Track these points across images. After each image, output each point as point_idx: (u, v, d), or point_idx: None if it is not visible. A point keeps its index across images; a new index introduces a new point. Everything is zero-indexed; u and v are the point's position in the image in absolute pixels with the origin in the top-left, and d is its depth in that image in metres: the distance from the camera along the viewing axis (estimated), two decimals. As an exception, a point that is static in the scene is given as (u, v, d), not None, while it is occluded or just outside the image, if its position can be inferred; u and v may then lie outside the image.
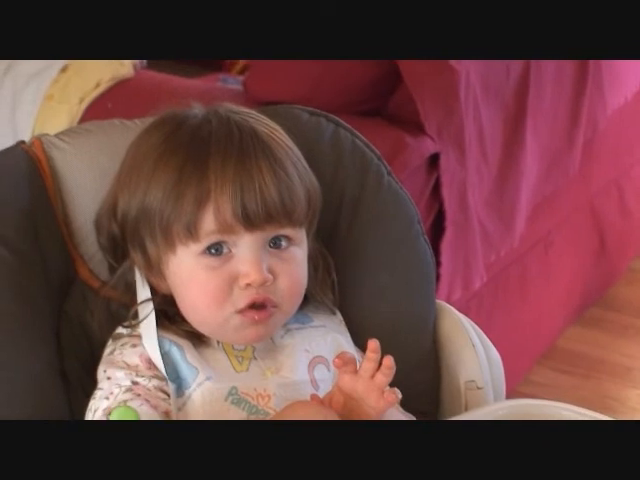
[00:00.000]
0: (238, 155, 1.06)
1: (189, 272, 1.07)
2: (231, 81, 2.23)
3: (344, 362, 1.04)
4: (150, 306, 1.10)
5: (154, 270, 1.10)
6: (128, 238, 1.10)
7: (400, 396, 1.05)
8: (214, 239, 1.06)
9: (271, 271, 1.07)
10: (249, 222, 1.05)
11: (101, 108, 2.06)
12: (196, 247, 1.06)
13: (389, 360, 1.03)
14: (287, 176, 1.08)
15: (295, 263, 1.10)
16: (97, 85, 2.11)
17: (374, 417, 1.04)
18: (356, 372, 1.04)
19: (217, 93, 2.06)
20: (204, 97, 1.18)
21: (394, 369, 1.04)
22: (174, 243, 1.07)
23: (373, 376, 1.03)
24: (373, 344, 1.03)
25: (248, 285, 1.06)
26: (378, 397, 1.03)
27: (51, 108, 2.10)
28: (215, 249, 1.06)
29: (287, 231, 1.08)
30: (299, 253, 1.10)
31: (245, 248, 1.06)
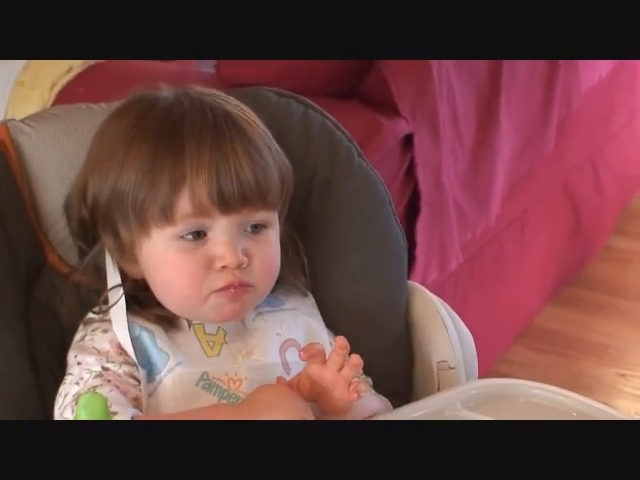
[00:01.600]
0: (213, 138, 1.05)
1: (163, 255, 1.07)
2: (206, 64, 2.21)
3: (310, 355, 1.04)
4: (120, 291, 1.10)
5: (126, 254, 1.09)
6: (99, 222, 1.09)
7: (363, 391, 1.06)
8: (190, 223, 1.05)
9: (246, 253, 1.07)
10: (225, 205, 1.05)
11: (73, 93, 2.04)
12: (171, 230, 1.06)
13: (357, 359, 1.04)
14: (262, 158, 1.07)
15: (269, 245, 1.10)
16: (69, 70, 2.09)
17: (339, 406, 1.04)
18: (324, 362, 1.04)
19: (189, 76, 2.05)
20: (176, 80, 1.17)
21: (361, 366, 1.05)
22: (149, 226, 1.06)
23: (341, 369, 1.03)
24: (341, 341, 1.04)
25: (224, 267, 1.06)
26: (344, 390, 1.03)
27: (22, 95, 2.08)
28: (193, 234, 1.06)
29: (262, 215, 1.08)
30: (272, 235, 1.10)
31: (220, 231, 1.06)
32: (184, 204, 1.04)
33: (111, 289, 1.10)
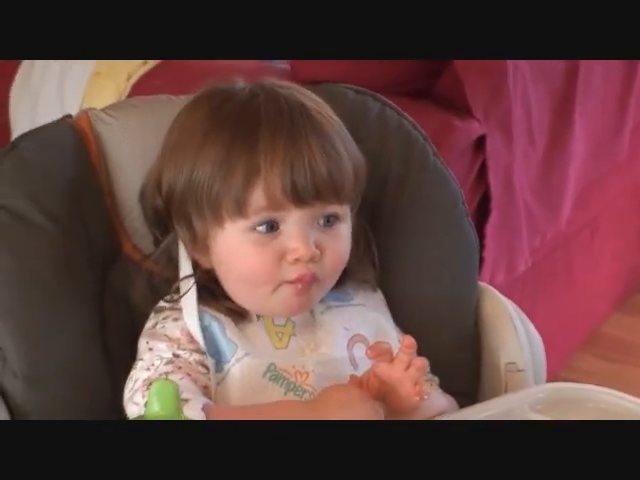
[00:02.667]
0: (288, 131, 1.05)
1: (237, 247, 1.07)
2: (278, 60, 2.22)
3: (377, 353, 1.05)
4: (191, 281, 1.11)
5: (199, 245, 1.10)
6: (173, 212, 1.10)
7: (428, 393, 1.06)
8: (263, 215, 1.06)
9: (318, 246, 1.07)
10: (298, 198, 1.05)
11: (148, 85, 2.06)
12: (244, 223, 1.06)
13: (422, 361, 1.04)
14: (336, 153, 1.07)
15: (340, 239, 1.10)
16: (144, 62, 2.11)
17: (406, 405, 1.04)
18: (391, 361, 1.04)
19: (264, 72, 2.06)
20: (250, 75, 1.18)
21: (427, 369, 1.06)
22: (222, 218, 1.06)
23: (407, 368, 1.03)
24: (408, 340, 1.04)
25: (296, 260, 1.06)
26: (410, 389, 1.03)
27: (98, 85, 2.11)
28: (266, 226, 1.06)
29: (334, 208, 1.08)
30: (344, 229, 1.10)
31: (293, 224, 1.06)
32: (258, 197, 1.05)
33: (183, 279, 1.11)
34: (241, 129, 1.06)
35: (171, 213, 1.11)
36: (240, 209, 1.05)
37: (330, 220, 1.08)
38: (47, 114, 2.15)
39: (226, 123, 1.07)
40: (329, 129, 1.08)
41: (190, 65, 2.08)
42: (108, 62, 2.10)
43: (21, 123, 2.22)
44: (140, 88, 2.05)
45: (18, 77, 2.23)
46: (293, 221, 1.06)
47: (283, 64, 2.15)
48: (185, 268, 1.12)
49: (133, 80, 2.08)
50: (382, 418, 1.02)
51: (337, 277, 1.11)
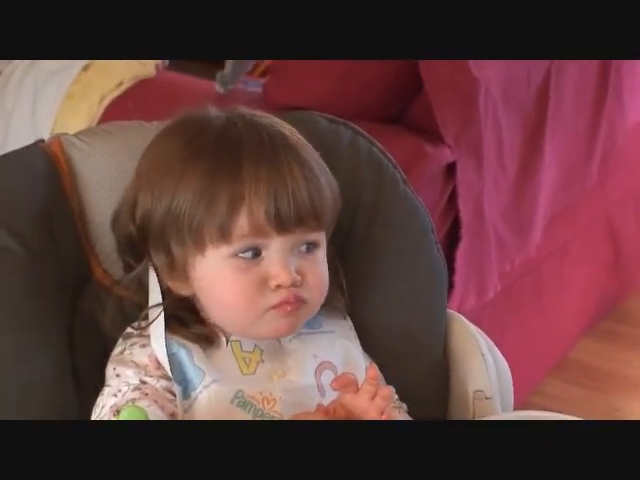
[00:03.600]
0: (270, 158, 1.07)
1: (219, 273, 1.08)
2: (252, 84, 2.23)
3: (342, 385, 1.05)
4: (160, 309, 1.11)
5: (177, 272, 1.10)
6: (150, 240, 1.11)
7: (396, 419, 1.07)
8: (246, 242, 1.07)
9: (299, 272, 1.08)
10: (281, 225, 1.06)
11: (122, 108, 2.07)
12: (227, 249, 1.07)
13: (388, 390, 1.04)
14: (316, 180, 1.09)
15: (320, 264, 1.11)
16: (119, 84, 2.13)
17: None
18: (357, 392, 1.04)
19: (236, 96, 2.07)
20: (224, 100, 1.19)
21: (393, 398, 1.07)
22: (204, 245, 1.07)
23: (373, 398, 1.03)
24: (372, 372, 1.05)
25: (278, 287, 1.07)
26: (377, 418, 1.03)
27: (71, 107, 2.12)
28: (251, 253, 1.07)
29: (315, 235, 1.10)
30: (322, 254, 1.12)
31: (275, 251, 1.07)
32: (242, 224, 1.06)
33: (151, 307, 1.11)
34: (223, 157, 1.07)
35: (145, 240, 1.11)
36: (224, 235, 1.06)
37: (310, 247, 1.10)
38: (19, 135, 2.15)
39: (207, 150, 1.08)
40: (308, 157, 1.10)
41: (164, 88, 2.10)
42: (82, 84, 2.11)
43: (-7, 143, 2.22)
44: (113, 111, 2.06)
45: (-9, 96, 2.23)
46: (275, 248, 1.07)
47: (255, 87, 2.17)
48: (154, 296, 1.12)
49: (106, 102, 2.09)
50: None
51: (322, 301, 1.12)
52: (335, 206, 1.12)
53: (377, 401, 1.03)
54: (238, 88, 2.20)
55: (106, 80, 2.11)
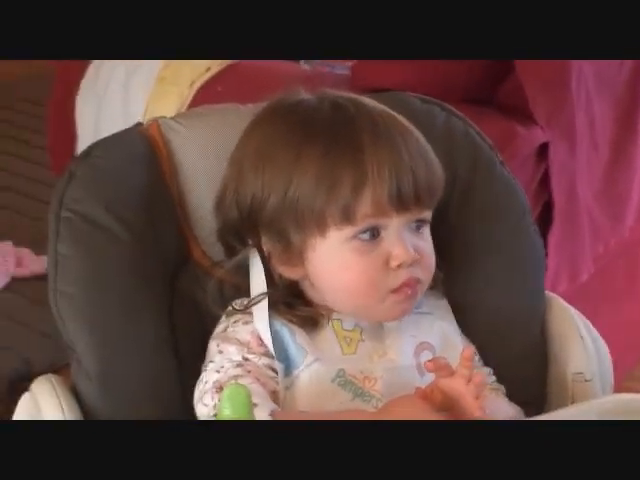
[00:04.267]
0: (387, 139, 1.07)
1: (342, 256, 1.08)
2: (338, 67, 2.23)
3: (436, 368, 1.05)
4: (265, 295, 1.11)
5: (291, 257, 1.10)
6: (262, 226, 1.11)
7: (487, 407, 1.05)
8: (368, 222, 1.07)
9: (415, 250, 1.09)
10: (402, 205, 1.07)
11: (211, 91, 2.09)
12: (349, 231, 1.07)
13: (480, 377, 1.04)
14: (430, 158, 1.10)
15: (429, 242, 1.12)
16: (208, 69, 2.14)
17: (468, 418, 1.03)
18: (451, 375, 1.04)
19: (324, 78, 2.07)
20: (312, 82, 1.19)
21: (484, 385, 1.06)
22: (326, 228, 1.07)
23: (468, 382, 1.03)
24: (467, 352, 1.04)
25: (399, 266, 1.08)
26: (472, 403, 1.02)
27: (162, 90, 2.14)
28: (370, 233, 1.08)
29: (427, 213, 1.11)
30: (428, 232, 1.12)
31: (394, 231, 1.08)
32: (366, 204, 1.06)
33: (258, 297, 1.11)
34: (340, 140, 1.07)
35: (252, 226, 1.11)
36: (348, 217, 1.06)
37: (419, 225, 1.11)
38: (111, 119, 2.18)
39: (321, 135, 1.08)
40: (419, 135, 1.10)
41: (252, 72, 2.11)
42: (173, 68, 2.13)
43: (86, 128, 2.25)
44: (203, 94, 2.07)
45: (84, 82, 2.26)
46: (394, 227, 1.08)
47: (342, 70, 2.16)
48: (258, 281, 1.12)
49: (196, 86, 2.10)
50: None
51: (431, 279, 1.13)
52: (443, 182, 1.12)
53: (471, 386, 1.03)
54: (325, 71, 2.20)
55: (196, 64, 2.13)
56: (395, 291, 1.09)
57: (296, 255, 1.10)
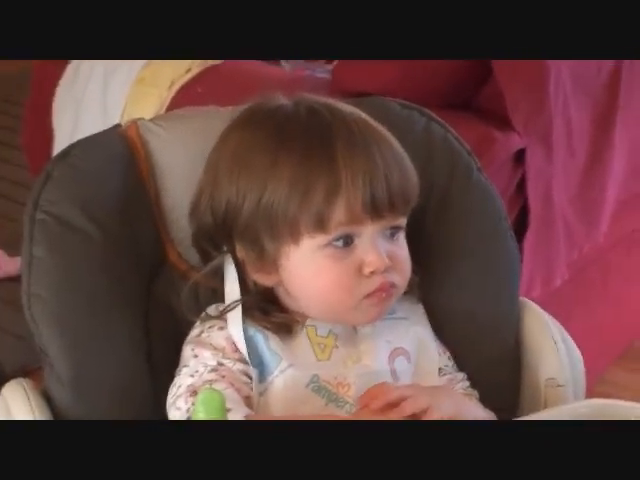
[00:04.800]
0: (362, 146, 1.07)
1: (314, 263, 1.08)
2: (319, 70, 2.23)
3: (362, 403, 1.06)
4: (238, 301, 1.11)
5: (265, 264, 1.10)
6: (236, 233, 1.10)
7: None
8: (342, 230, 1.07)
9: (388, 257, 1.09)
10: (376, 212, 1.07)
11: (191, 93, 2.09)
12: (323, 238, 1.07)
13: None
14: (404, 164, 1.10)
15: (404, 248, 1.12)
16: (188, 70, 2.14)
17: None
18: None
19: (305, 82, 2.08)
20: (292, 86, 1.20)
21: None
22: (300, 235, 1.07)
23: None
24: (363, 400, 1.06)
25: (372, 273, 1.08)
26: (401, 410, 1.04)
27: (141, 91, 2.14)
28: (343, 241, 1.08)
29: (401, 220, 1.11)
30: (403, 238, 1.13)
31: (367, 238, 1.08)
32: (339, 212, 1.06)
33: (231, 304, 1.11)
34: (314, 147, 1.07)
35: (227, 233, 1.11)
36: (321, 225, 1.06)
37: (394, 231, 1.11)
38: (89, 120, 2.18)
39: (296, 141, 1.08)
40: (393, 142, 1.11)
41: (233, 73, 2.11)
42: (152, 68, 2.13)
43: (63, 129, 2.25)
44: (183, 96, 2.07)
45: (63, 81, 2.26)
46: (367, 234, 1.08)
47: (322, 74, 2.17)
48: (233, 287, 1.12)
49: (176, 87, 2.10)
50: None
51: (406, 284, 1.13)
52: (418, 189, 1.12)
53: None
54: (306, 74, 2.20)
55: (175, 66, 2.13)
56: (369, 296, 1.09)
57: (270, 262, 1.10)
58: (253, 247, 1.10)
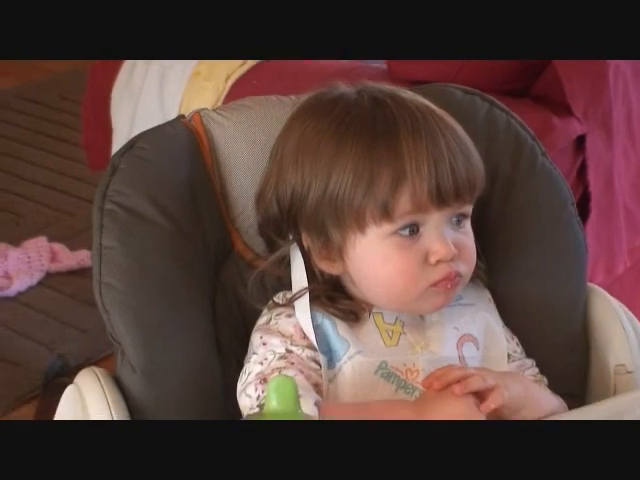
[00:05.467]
0: (426, 134, 1.06)
1: (381, 252, 1.08)
2: (372, 61, 2.22)
3: (428, 384, 1.06)
4: (306, 290, 1.11)
5: (331, 253, 1.11)
6: (302, 222, 1.11)
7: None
8: (408, 219, 1.07)
9: (455, 245, 1.08)
10: (441, 201, 1.06)
11: (247, 85, 2.09)
12: (389, 227, 1.07)
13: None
14: (469, 152, 1.09)
15: (470, 236, 1.12)
16: (242, 63, 2.14)
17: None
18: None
19: (361, 72, 2.07)
20: (349, 76, 1.19)
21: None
22: (365, 224, 1.07)
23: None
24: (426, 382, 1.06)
25: (438, 262, 1.08)
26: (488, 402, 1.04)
27: (198, 85, 2.14)
28: (409, 230, 1.07)
29: (467, 208, 1.10)
30: (469, 226, 1.12)
31: (434, 226, 1.08)
32: (405, 201, 1.06)
33: (299, 292, 1.12)
34: (379, 135, 1.07)
35: (292, 221, 1.11)
36: (387, 213, 1.06)
37: (460, 219, 1.10)
38: (147, 114, 2.19)
39: (361, 130, 1.07)
40: (458, 129, 1.10)
41: (286, 65, 2.11)
42: (207, 63, 2.13)
43: (121, 124, 2.26)
44: (239, 88, 2.08)
45: (119, 78, 2.27)
46: (433, 223, 1.08)
47: (377, 63, 2.16)
48: (299, 276, 1.12)
49: (232, 80, 2.11)
50: (480, 416, 1.03)
51: (472, 272, 1.12)
52: (484, 177, 1.12)
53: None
54: (358, 64, 2.19)
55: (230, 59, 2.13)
56: (434, 285, 1.09)
57: (335, 251, 1.10)
58: (319, 236, 1.10)
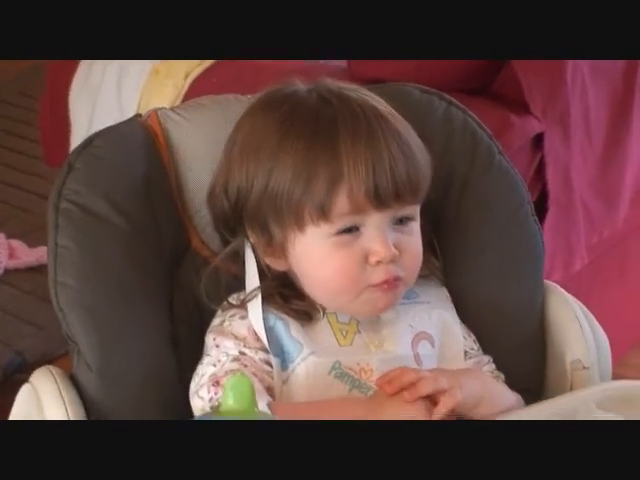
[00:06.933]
0: (366, 135, 1.06)
1: (320, 252, 1.08)
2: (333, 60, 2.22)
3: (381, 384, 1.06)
4: (258, 286, 1.11)
5: (275, 250, 1.11)
6: (245, 218, 1.11)
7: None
8: (346, 220, 1.07)
9: (396, 247, 1.08)
10: (380, 202, 1.06)
11: (206, 83, 2.08)
12: (328, 228, 1.07)
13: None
14: (412, 154, 1.08)
15: (415, 237, 1.11)
16: (202, 61, 2.13)
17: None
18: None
19: (318, 70, 2.07)
20: (307, 74, 1.19)
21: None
22: (304, 223, 1.07)
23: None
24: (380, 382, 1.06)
25: (378, 262, 1.07)
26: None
27: (157, 83, 2.14)
28: (347, 230, 1.07)
29: (410, 209, 1.10)
30: (416, 227, 1.12)
31: (374, 227, 1.07)
32: (342, 202, 1.06)
33: (251, 292, 1.12)
34: (319, 135, 1.06)
35: (239, 217, 1.12)
36: (324, 214, 1.06)
37: (403, 220, 1.10)
38: (105, 113, 2.18)
39: (303, 129, 1.07)
40: (402, 130, 1.09)
41: (245, 63, 2.10)
42: (166, 61, 2.12)
43: (80, 120, 2.25)
44: (198, 86, 2.07)
45: (78, 74, 2.26)
46: (373, 224, 1.07)
47: (338, 62, 2.16)
48: (251, 272, 1.12)
49: (191, 78, 2.10)
50: (432, 416, 1.03)
51: (416, 275, 1.12)
52: (429, 178, 1.11)
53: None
54: (320, 63, 2.19)
55: (189, 57, 2.13)
56: (373, 286, 1.08)
57: (278, 248, 1.10)
58: (262, 232, 1.10)
